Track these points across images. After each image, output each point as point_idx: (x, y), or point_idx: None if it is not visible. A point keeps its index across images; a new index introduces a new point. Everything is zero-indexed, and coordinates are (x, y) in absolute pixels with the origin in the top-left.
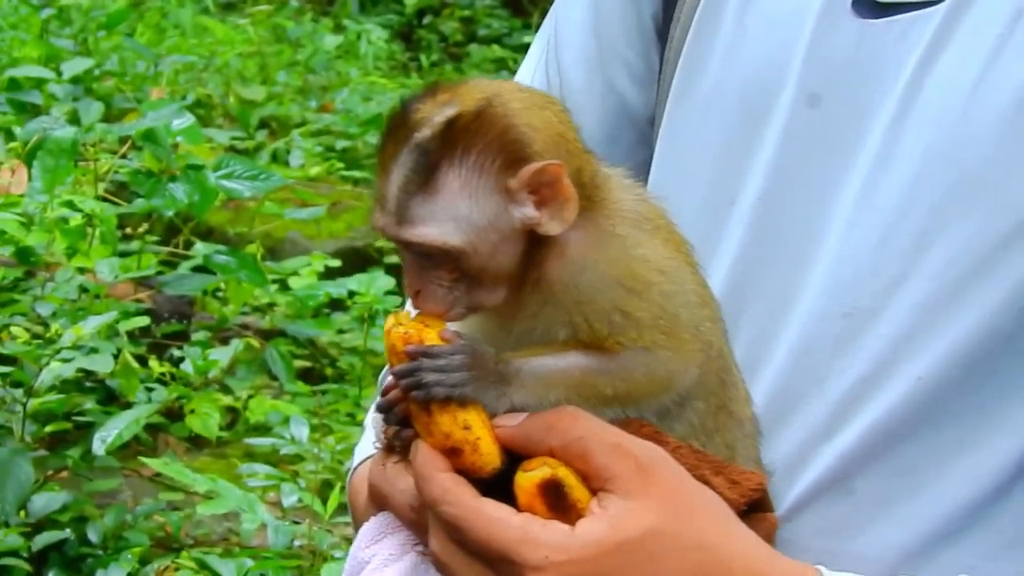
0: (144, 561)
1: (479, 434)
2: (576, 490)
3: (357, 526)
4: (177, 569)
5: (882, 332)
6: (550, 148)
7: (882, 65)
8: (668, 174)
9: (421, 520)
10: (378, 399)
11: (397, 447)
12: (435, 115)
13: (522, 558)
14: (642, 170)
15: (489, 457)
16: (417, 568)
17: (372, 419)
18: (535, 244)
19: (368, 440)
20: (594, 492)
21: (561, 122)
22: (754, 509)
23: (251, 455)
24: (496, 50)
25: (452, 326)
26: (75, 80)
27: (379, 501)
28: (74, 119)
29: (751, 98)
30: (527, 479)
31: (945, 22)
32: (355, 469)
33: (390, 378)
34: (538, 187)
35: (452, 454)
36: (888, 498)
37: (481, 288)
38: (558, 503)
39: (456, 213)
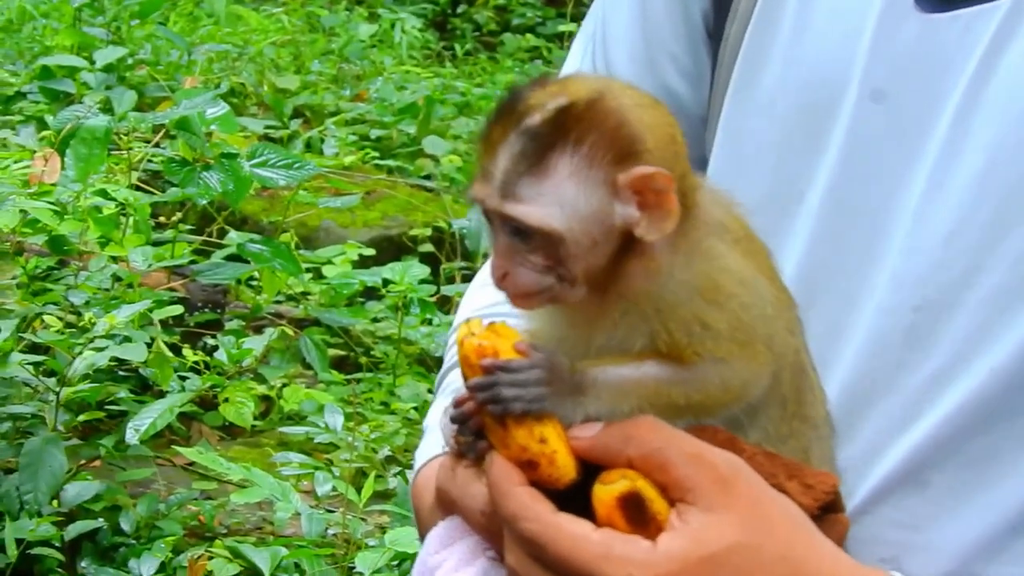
0: (177, 550)
1: (555, 447)
2: (656, 503)
3: (421, 530)
4: (211, 558)
5: (954, 325)
6: (661, 149)
7: (947, 60)
8: (728, 172)
9: (492, 526)
10: (448, 408)
11: (461, 451)
12: (548, 102)
13: (604, 574)
14: (695, 168)
15: (565, 470)
16: (488, 574)
17: (441, 423)
18: (622, 249)
19: (431, 442)
20: (672, 504)
21: (670, 124)
22: (827, 511)
23: (285, 444)
24: (530, 39)
25: (526, 337)
26: (108, 68)
27: (448, 506)
28: (107, 108)
29: (814, 95)
30: (606, 492)
31: (1010, 15)
32: (419, 471)
33: (464, 390)
34: (644, 190)
35: (528, 467)
36: (962, 490)
37: (567, 281)
38: (638, 516)
39: (562, 198)
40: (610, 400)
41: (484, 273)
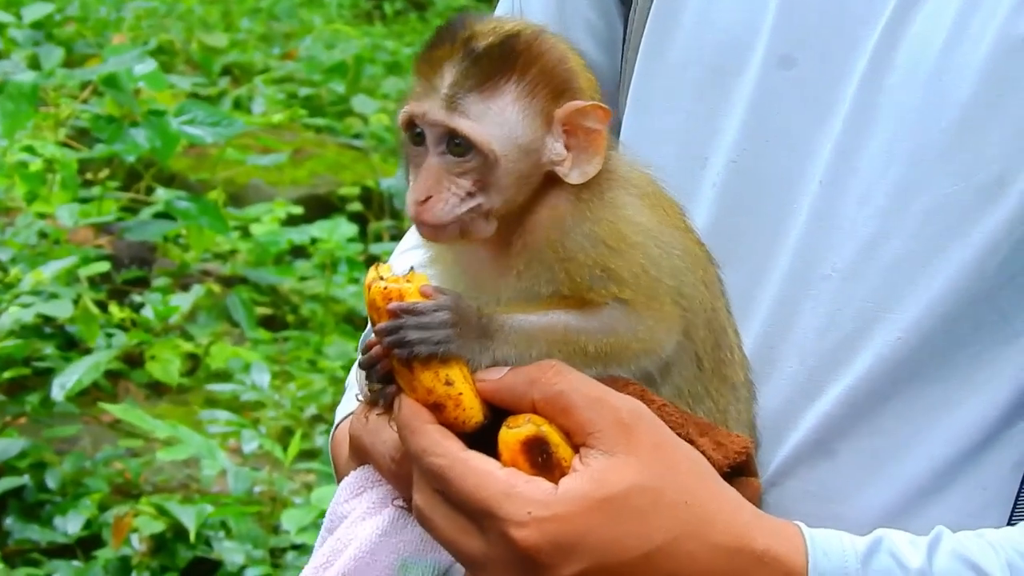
0: (103, 507)
1: (461, 389)
2: (561, 448)
3: (339, 482)
4: (136, 515)
5: (861, 293)
6: (591, 91)
7: (855, 24)
8: (638, 137)
9: (402, 473)
10: (359, 356)
11: (380, 403)
12: (495, 29)
13: (505, 512)
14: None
15: (472, 412)
16: (395, 523)
17: (355, 375)
18: (533, 196)
19: (350, 398)
20: (576, 448)
21: (590, 70)
22: (739, 473)
23: (212, 402)
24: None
25: (432, 282)
26: (36, 25)
27: (360, 454)
28: (35, 64)
29: (722, 59)
30: (511, 435)
31: None
32: (337, 426)
33: (372, 335)
34: (575, 128)
35: (435, 409)
36: (871, 459)
37: (485, 212)
38: (542, 461)
39: (504, 121)
40: (518, 345)
41: (407, 240)
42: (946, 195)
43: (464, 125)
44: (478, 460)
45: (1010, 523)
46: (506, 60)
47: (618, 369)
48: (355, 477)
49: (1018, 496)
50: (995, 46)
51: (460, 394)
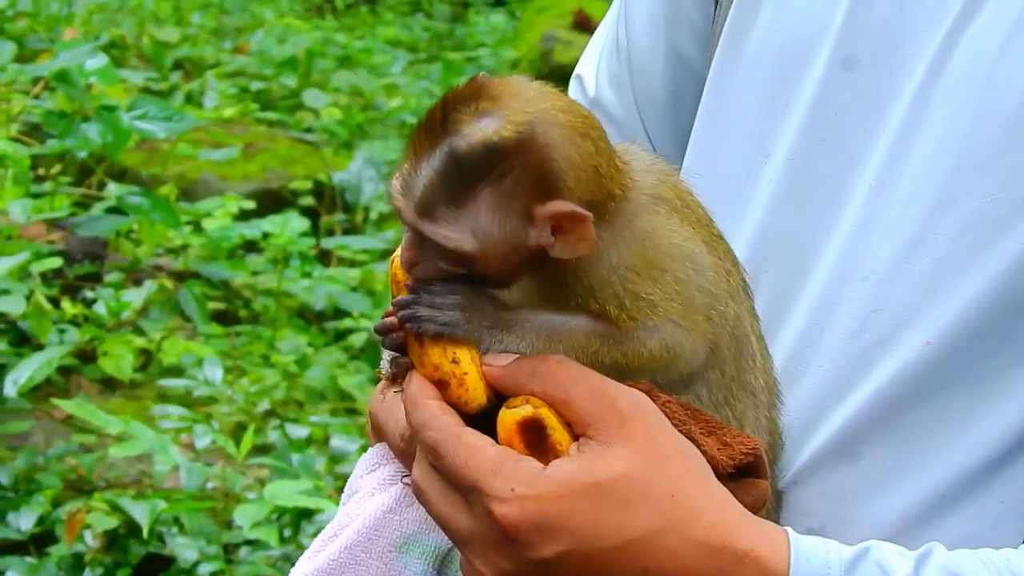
0: (56, 503)
1: (467, 369)
2: (557, 432)
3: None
4: (89, 511)
5: (895, 297)
6: (582, 184)
7: (919, 29)
8: (708, 132)
9: (410, 451)
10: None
11: (395, 374)
12: (477, 127)
13: (490, 487)
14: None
15: (475, 393)
16: (401, 500)
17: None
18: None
19: None
20: (577, 438)
21: (599, 152)
22: (746, 473)
23: (164, 397)
24: None
25: None
26: None
27: (377, 431)
28: None
29: (790, 57)
30: (509, 415)
31: None
32: None
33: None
34: (560, 222)
35: (440, 386)
36: (893, 465)
37: (479, 280)
38: (538, 443)
39: (478, 226)
40: (534, 343)
41: None
42: (984, 204)
43: (433, 232)
44: (472, 436)
45: None
46: (483, 170)
47: (636, 378)
48: (372, 453)
49: None
50: None
51: (465, 374)
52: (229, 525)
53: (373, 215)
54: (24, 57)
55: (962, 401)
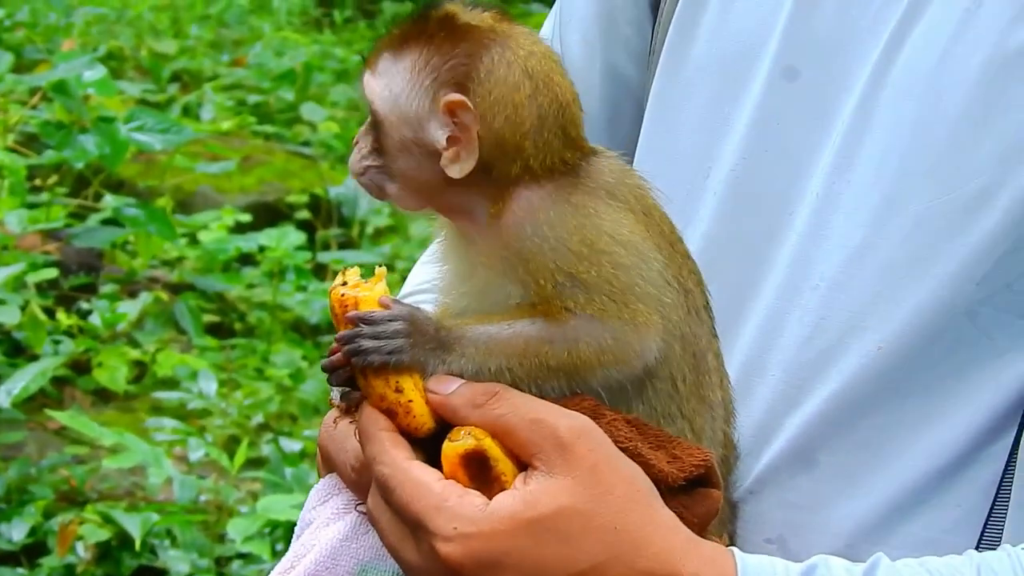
0: (48, 514)
1: (411, 396)
2: (500, 463)
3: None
4: (82, 523)
5: (845, 303)
6: (496, 109)
7: (859, 38)
8: (655, 148)
9: (362, 482)
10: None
11: (345, 407)
12: (445, 11)
13: (434, 526)
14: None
15: (422, 419)
16: (356, 529)
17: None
18: (493, 196)
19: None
20: (523, 466)
21: (538, 106)
22: (698, 484)
23: (158, 409)
24: (409, 6)
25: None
26: None
27: (328, 462)
28: None
29: (730, 72)
30: (451, 448)
31: None
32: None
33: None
34: (458, 122)
35: (389, 415)
36: (850, 471)
37: (388, 174)
38: (481, 475)
39: (396, 83)
40: (476, 358)
41: (429, 250)
42: (930, 207)
43: (367, 79)
44: (419, 471)
45: (980, 541)
46: (426, 33)
47: (585, 382)
48: (323, 484)
49: (989, 515)
50: (987, 60)
51: (410, 401)
52: (222, 538)
53: (369, 230)
54: (22, 68)
55: (916, 406)
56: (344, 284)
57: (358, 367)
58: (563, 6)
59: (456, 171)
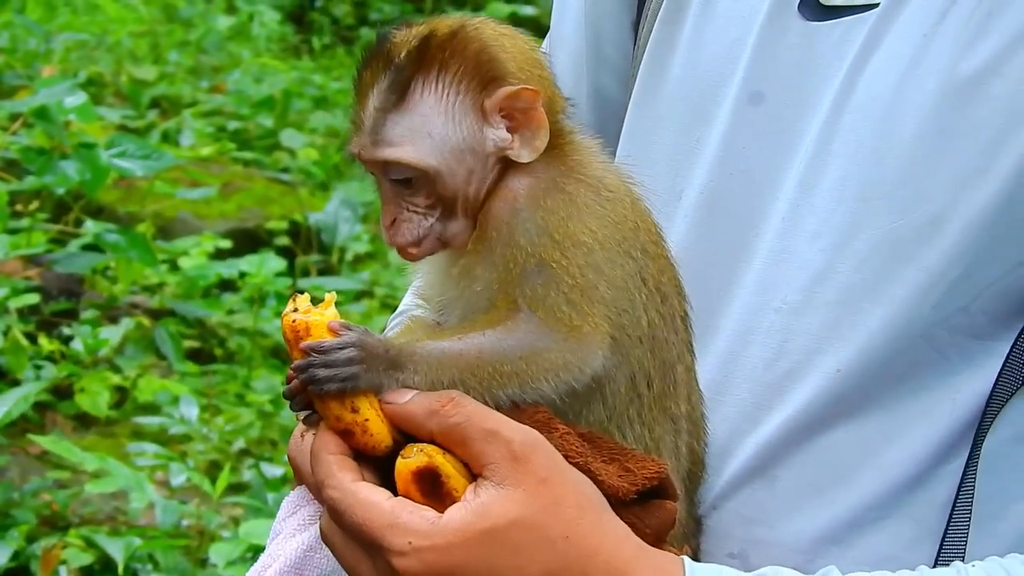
0: (31, 539)
1: (367, 415)
2: (452, 479)
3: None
4: (64, 547)
5: (806, 326)
6: (524, 71)
7: (822, 66)
8: (631, 169)
9: None
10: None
11: (309, 425)
12: (411, 39)
13: (388, 543)
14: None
15: (380, 437)
16: (321, 539)
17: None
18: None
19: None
20: (475, 478)
21: (533, 50)
22: (652, 496)
23: (139, 434)
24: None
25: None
26: None
27: (297, 474)
28: None
29: (701, 96)
30: (403, 465)
31: (878, 23)
32: None
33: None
34: (512, 111)
35: (346, 436)
36: (809, 487)
37: (452, 218)
38: (434, 491)
39: (431, 130)
40: (428, 373)
41: None
42: (885, 233)
43: (390, 154)
44: (367, 492)
45: (938, 558)
46: (422, 66)
47: (538, 388)
48: (293, 496)
49: (946, 532)
50: (941, 87)
51: (366, 420)
52: (204, 563)
53: (349, 256)
54: (2, 93)
55: (875, 425)
56: (295, 310)
57: (315, 395)
58: (553, 29)
59: (528, 154)
